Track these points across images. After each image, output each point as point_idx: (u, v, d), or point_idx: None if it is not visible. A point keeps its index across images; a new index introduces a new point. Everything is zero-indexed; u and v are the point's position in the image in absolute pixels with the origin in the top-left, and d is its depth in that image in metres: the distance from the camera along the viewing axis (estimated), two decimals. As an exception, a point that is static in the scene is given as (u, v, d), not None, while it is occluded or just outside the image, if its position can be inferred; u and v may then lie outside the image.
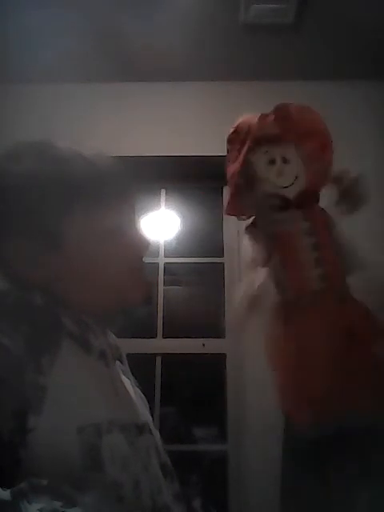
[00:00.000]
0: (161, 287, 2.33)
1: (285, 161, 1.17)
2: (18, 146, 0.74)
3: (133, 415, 0.73)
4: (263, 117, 1.17)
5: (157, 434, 0.79)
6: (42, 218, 0.69)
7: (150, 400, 2.40)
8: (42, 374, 0.59)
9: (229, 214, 1.29)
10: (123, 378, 0.79)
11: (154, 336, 2.25)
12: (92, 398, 0.65)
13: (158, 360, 2.20)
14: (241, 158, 1.13)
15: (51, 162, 0.71)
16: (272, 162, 1.17)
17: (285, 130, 1.16)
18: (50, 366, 0.61)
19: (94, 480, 0.58)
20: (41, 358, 0.61)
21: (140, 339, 2.26)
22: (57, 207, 0.69)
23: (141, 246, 0.79)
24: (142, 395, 0.85)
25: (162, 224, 2.49)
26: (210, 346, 2.19)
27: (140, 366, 2.36)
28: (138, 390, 0.84)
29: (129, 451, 0.64)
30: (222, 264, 2.33)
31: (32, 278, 0.69)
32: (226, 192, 2.38)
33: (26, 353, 0.59)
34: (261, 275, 1.14)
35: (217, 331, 2.27)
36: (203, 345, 2.18)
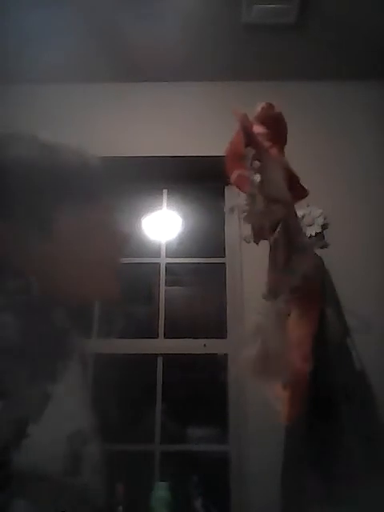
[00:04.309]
0: (162, 287, 2.33)
1: None
2: (3, 133, 0.74)
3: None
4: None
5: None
6: (35, 206, 0.69)
7: (152, 400, 2.39)
8: (52, 381, 0.60)
9: None
10: None
11: (155, 336, 2.24)
12: (79, 404, 0.66)
13: (160, 360, 2.19)
14: None
15: (43, 152, 0.71)
16: None
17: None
18: (62, 373, 0.62)
19: (69, 484, 0.59)
20: (55, 365, 0.61)
21: (141, 339, 2.26)
22: (50, 195, 0.70)
23: (121, 242, 0.80)
24: None
25: (163, 224, 2.49)
26: (212, 346, 2.19)
27: (141, 366, 2.36)
28: None
29: (97, 454, 0.65)
30: (224, 264, 2.32)
31: (17, 264, 0.68)
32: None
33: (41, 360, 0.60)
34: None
35: (218, 331, 2.26)
36: (205, 345, 2.18)
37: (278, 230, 1.12)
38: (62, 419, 0.61)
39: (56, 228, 0.70)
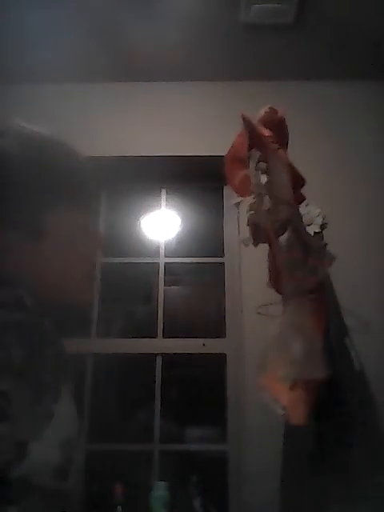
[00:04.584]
0: (161, 287, 2.33)
1: None
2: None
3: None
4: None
5: None
6: (30, 206, 0.68)
7: (150, 399, 2.38)
8: (56, 400, 0.59)
9: None
10: None
11: (154, 336, 2.24)
12: (72, 412, 0.65)
13: (159, 360, 2.20)
14: None
15: (26, 142, 0.70)
16: None
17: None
18: (63, 392, 0.61)
19: (58, 489, 0.59)
20: (59, 385, 0.61)
21: (140, 339, 2.26)
22: (45, 195, 0.69)
23: (97, 244, 0.80)
24: None
25: (162, 224, 2.49)
26: (211, 345, 2.19)
27: (140, 366, 2.36)
28: None
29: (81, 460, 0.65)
30: (223, 264, 2.33)
31: (8, 267, 0.66)
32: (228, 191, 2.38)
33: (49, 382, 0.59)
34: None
35: (217, 331, 2.27)
36: (203, 345, 2.18)
37: (288, 230, 1.13)
38: (54, 427, 0.60)
39: (40, 227, 0.68)
